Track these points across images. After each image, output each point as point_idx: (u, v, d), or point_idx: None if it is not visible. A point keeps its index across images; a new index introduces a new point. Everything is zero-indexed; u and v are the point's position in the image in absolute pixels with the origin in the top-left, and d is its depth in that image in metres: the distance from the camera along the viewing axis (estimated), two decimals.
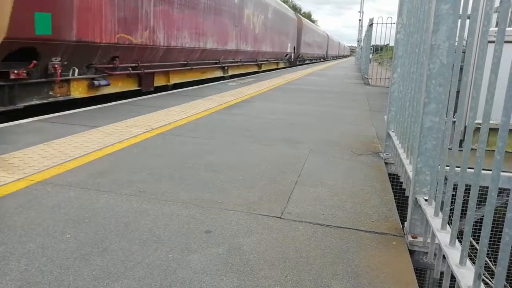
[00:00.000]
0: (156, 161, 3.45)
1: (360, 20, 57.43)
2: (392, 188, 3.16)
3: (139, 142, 4.08)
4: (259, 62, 18.50)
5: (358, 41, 50.39)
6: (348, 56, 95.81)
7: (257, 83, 11.53)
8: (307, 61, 34.85)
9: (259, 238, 2.17)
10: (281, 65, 24.03)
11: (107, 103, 6.51)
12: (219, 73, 13.10)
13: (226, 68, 13.59)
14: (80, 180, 2.91)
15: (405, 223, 2.33)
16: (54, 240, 2.03)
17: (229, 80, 12.76)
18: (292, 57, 26.49)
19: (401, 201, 3.35)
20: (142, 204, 2.55)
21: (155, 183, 2.92)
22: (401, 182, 3.06)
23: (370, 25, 15.36)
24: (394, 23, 11.40)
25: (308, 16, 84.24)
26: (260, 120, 5.71)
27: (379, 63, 23.24)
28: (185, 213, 2.43)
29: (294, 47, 27.05)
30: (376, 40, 14.80)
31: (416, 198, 2.21)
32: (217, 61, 12.62)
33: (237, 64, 14.91)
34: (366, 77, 14.90)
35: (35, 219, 2.25)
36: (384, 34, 17.88)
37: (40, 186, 2.75)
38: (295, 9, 68.19)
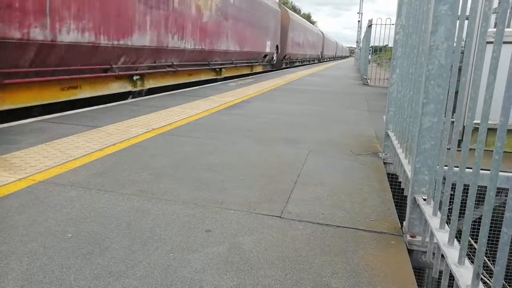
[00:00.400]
0: (157, 161, 3.47)
1: (359, 21, 57.50)
2: (391, 188, 3.18)
3: (140, 142, 4.09)
4: (215, 66, 12.67)
5: (357, 42, 50.48)
6: (347, 57, 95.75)
7: (257, 84, 11.55)
8: (297, 63, 29.92)
9: (259, 237, 2.18)
10: (258, 69, 18.36)
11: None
12: (127, 86, 7.94)
13: (136, 78, 8.21)
14: (82, 179, 2.92)
15: (404, 222, 2.34)
16: (55, 239, 2.05)
17: (230, 80, 12.74)
18: (275, 58, 21.06)
19: (400, 200, 3.37)
20: (143, 203, 2.56)
21: (156, 183, 2.93)
22: (400, 182, 3.07)
23: (369, 26, 15.38)
24: (393, 24, 11.44)
25: (307, 17, 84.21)
26: (260, 120, 5.72)
27: (378, 64, 23.28)
28: (185, 213, 2.45)
29: (277, 46, 21.36)
30: (375, 41, 14.85)
31: (414, 198, 2.22)
32: (109, 66, 7.22)
33: (165, 69, 9.30)
34: (365, 77, 14.92)
35: (36, 218, 2.26)
36: (383, 35, 18.00)
37: (41, 186, 2.76)
38: (295, 10, 67.87)
